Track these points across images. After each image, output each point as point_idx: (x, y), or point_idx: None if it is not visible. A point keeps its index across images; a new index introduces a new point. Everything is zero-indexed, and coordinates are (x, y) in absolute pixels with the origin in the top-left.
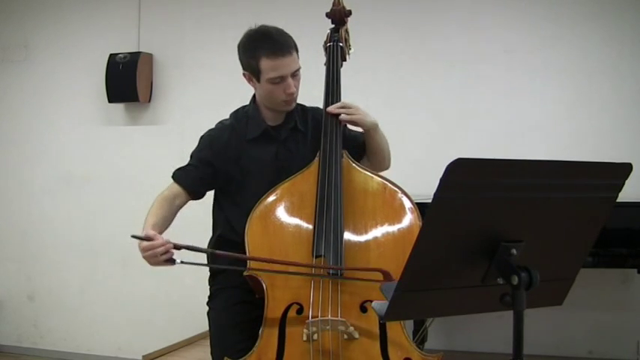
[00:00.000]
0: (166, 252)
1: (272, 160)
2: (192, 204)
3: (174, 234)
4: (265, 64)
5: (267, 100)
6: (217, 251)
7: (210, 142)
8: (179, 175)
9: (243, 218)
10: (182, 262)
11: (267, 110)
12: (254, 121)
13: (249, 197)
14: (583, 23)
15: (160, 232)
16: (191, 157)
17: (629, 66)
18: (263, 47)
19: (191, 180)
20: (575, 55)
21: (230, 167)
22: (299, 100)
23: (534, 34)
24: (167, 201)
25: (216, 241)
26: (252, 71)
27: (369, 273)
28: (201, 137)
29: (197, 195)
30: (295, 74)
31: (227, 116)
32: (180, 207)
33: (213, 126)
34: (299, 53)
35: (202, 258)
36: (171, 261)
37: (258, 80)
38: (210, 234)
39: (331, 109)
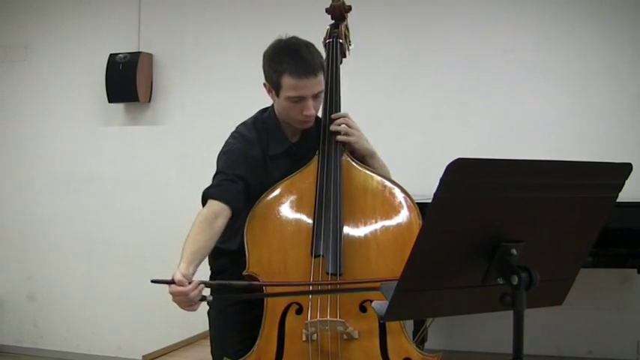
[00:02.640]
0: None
1: (285, 174)
2: (189, 210)
3: (174, 240)
4: (287, 81)
5: (283, 116)
6: (254, 282)
7: (243, 158)
8: (217, 192)
9: None
10: (214, 298)
11: (287, 125)
12: (275, 136)
13: None
14: (583, 23)
15: (200, 261)
16: (221, 172)
17: (629, 66)
18: (288, 63)
19: (233, 195)
20: (575, 56)
21: (257, 182)
22: None
23: (534, 35)
24: (207, 223)
25: (213, 250)
26: (272, 84)
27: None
28: (229, 151)
29: (238, 211)
30: (317, 96)
31: (227, 116)
32: (222, 229)
33: (212, 126)
34: (325, 72)
35: None
36: (202, 299)
37: (277, 95)
38: None
39: (333, 127)
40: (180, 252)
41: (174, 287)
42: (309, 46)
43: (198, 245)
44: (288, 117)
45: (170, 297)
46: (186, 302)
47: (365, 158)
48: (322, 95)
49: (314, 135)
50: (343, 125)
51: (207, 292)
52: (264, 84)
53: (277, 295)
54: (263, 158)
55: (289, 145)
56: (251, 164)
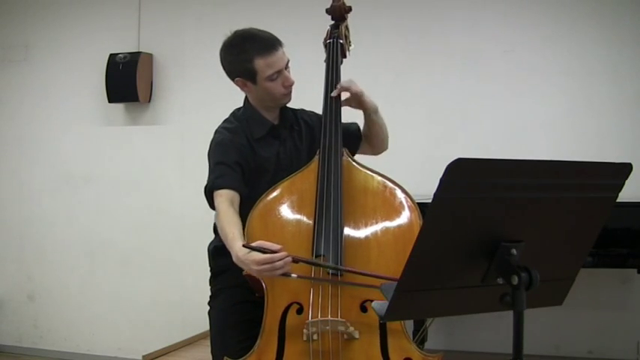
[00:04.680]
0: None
1: (275, 159)
2: (189, 210)
3: (174, 240)
4: (260, 63)
5: (266, 99)
6: (346, 267)
7: (232, 144)
8: (223, 182)
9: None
10: (299, 277)
11: (264, 110)
12: (256, 121)
13: (258, 197)
14: (583, 23)
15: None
16: (218, 164)
17: (629, 65)
18: (253, 48)
19: (237, 181)
20: (575, 55)
21: (249, 167)
22: (296, 98)
23: (534, 34)
24: (232, 209)
25: (213, 252)
26: (246, 75)
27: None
28: (218, 143)
29: (245, 196)
30: (287, 66)
31: (223, 120)
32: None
33: (212, 126)
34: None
35: None
36: (286, 275)
37: (255, 82)
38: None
39: (336, 92)
40: (225, 239)
41: (261, 255)
42: (257, 29)
43: (238, 226)
44: (271, 96)
45: (169, 297)
46: (270, 271)
47: (371, 115)
48: (289, 65)
49: (291, 116)
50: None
51: None
52: (236, 81)
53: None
54: (249, 143)
55: (271, 125)
56: (240, 150)
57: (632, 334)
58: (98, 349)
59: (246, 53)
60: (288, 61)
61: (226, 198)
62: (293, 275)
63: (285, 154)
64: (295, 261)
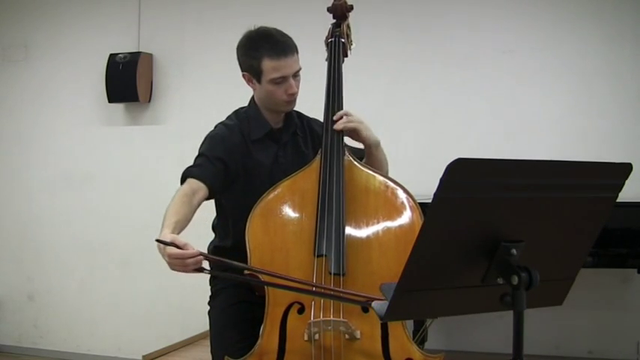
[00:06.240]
0: (196, 262)
1: (272, 163)
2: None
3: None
4: (267, 64)
5: (267, 101)
6: (254, 267)
7: (222, 141)
8: (196, 172)
9: (244, 220)
10: (210, 272)
11: (267, 112)
12: (256, 121)
13: (253, 199)
14: (583, 23)
15: (180, 232)
16: (201, 155)
17: (629, 66)
18: (265, 48)
19: (211, 175)
20: (575, 56)
21: (238, 167)
22: (300, 98)
23: (534, 35)
24: (188, 197)
25: (213, 251)
26: (253, 72)
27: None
28: (210, 137)
29: (216, 191)
30: (296, 75)
31: (226, 117)
32: (199, 205)
33: (212, 126)
34: (299, 53)
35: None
36: (199, 270)
37: (259, 81)
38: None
39: (335, 126)
40: (162, 221)
41: (174, 250)
42: (279, 30)
43: (179, 217)
44: (273, 100)
45: (169, 298)
46: (181, 266)
47: (371, 149)
48: (300, 74)
49: (296, 122)
50: (343, 119)
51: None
52: (243, 75)
53: (277, 285)
54: (244, 143)
55: (270, 128)
56: (230, 149)
57: (632, 334)
58: (98, 349)
59: (257, 51)
60: (299, 70)
61: (190, 187)
62: (206, 270)
63: (285, 157)
64: (208, 260)
